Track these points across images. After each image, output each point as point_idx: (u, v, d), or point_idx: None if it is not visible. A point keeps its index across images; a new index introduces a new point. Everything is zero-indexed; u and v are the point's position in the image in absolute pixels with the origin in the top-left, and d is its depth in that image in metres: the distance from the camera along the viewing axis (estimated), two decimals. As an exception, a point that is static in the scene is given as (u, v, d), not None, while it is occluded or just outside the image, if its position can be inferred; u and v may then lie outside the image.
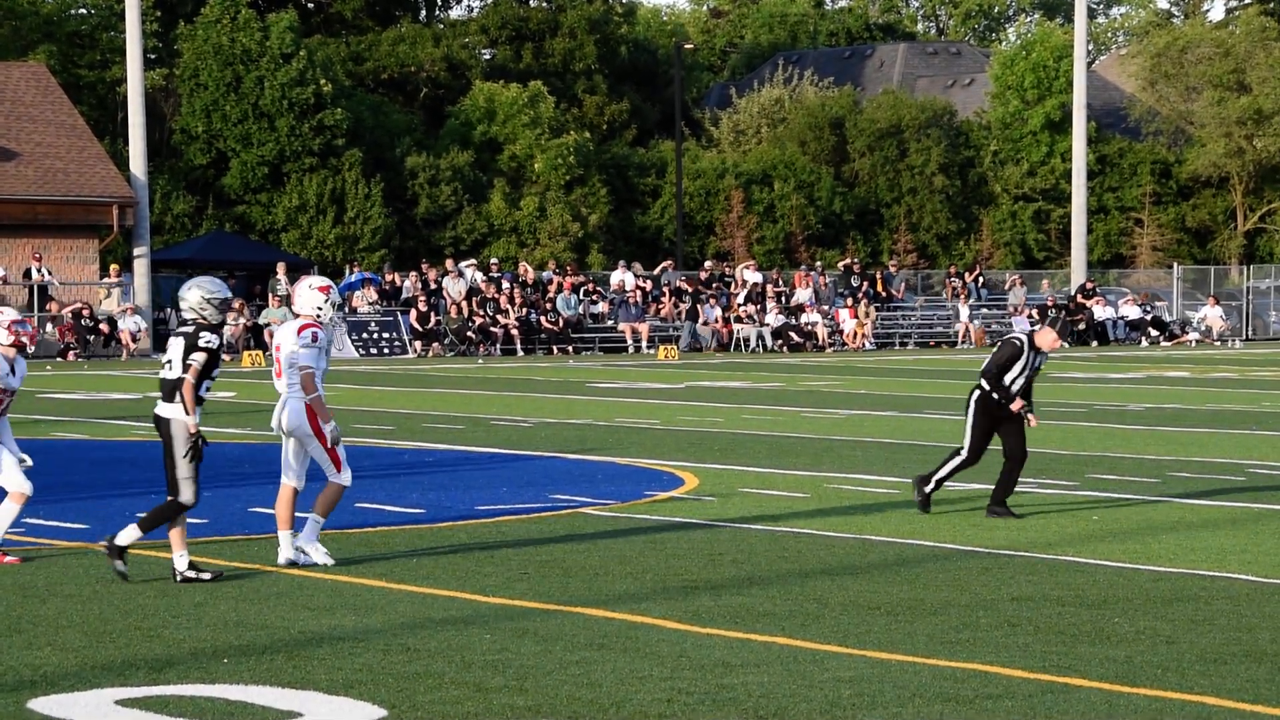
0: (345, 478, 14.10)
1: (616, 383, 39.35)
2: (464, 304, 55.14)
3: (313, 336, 13.90)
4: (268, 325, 52.76)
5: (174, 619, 11.83)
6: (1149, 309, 64.22)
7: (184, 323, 13.38)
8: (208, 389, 13.26)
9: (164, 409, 13.29)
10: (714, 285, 59.79)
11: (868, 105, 78.98)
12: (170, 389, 13.26)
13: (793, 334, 57.73)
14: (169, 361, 13.32)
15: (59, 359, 49.41)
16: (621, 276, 59.26)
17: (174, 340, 13.35)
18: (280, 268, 54.23)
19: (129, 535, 13.32)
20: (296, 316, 14.17)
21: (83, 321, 51.11)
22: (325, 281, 14.29)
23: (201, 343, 13.16)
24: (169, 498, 13.30)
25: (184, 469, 13.25)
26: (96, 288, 53.60)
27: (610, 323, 57.56)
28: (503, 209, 67.87)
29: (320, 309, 14.09)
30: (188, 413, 13.12)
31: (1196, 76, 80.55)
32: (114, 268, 53.86)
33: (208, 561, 14.23)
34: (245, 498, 18.29)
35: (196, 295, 13.31)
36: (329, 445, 14.00)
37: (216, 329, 13.31)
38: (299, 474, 14.13)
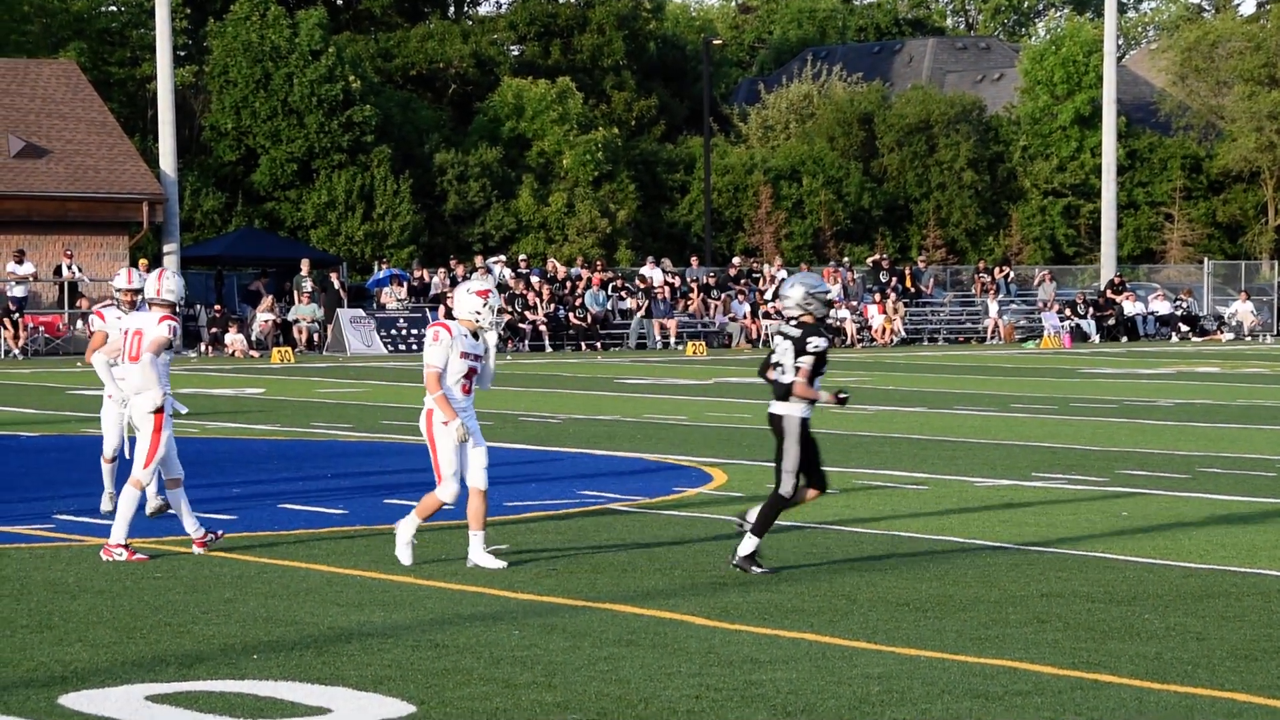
0: (444, 491, 13.80)
1: (645, 379, 39.35)
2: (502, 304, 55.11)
3: (434, 335, 13.78)
4: (296, 322, 52.85)
5: (204, 615, 11.85)
6: (1180, 304, 64.03)
7: (788, 321, 13.74)
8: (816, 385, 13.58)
9: (778, 407, 13.70)
10: (742, 281, 59.76)
11: (897, 100, 78.87)
12: (784, 390, 13.67)
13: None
14: (779, 365, 13.72)
15: (89, 355, 49.48)
16: (650, 272, 59.23)
17: (781, 342, 13.73)
18: (304, 264, 54.27)
19: (748, 545, 13.45)
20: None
21: (113, 318, 51.17)
22: (485, 286, 14.03)
23: (809, 348, 13.60)
24: (780, 494, 13.59)
25: (790, 461, 13.53)
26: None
27: (639, 316, 57.51)
28: (531, 205, 67.90)
29: (479, 313, 13.83)
30: (815, 401, 13.56)
31: (1227, 71, 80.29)
32: (143, 263, 53.96)
33: (225, 556, 14.26)
34: (275, 493, 18.33)
35: (800, 292, 13.76)
36: (438, 460, 13.80)
37: (819, 324, 13.67)
38: (466, 474, 13.84)
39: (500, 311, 14.06)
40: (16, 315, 50.09)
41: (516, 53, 79.16)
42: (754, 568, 13.48)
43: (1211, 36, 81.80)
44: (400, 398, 33.15)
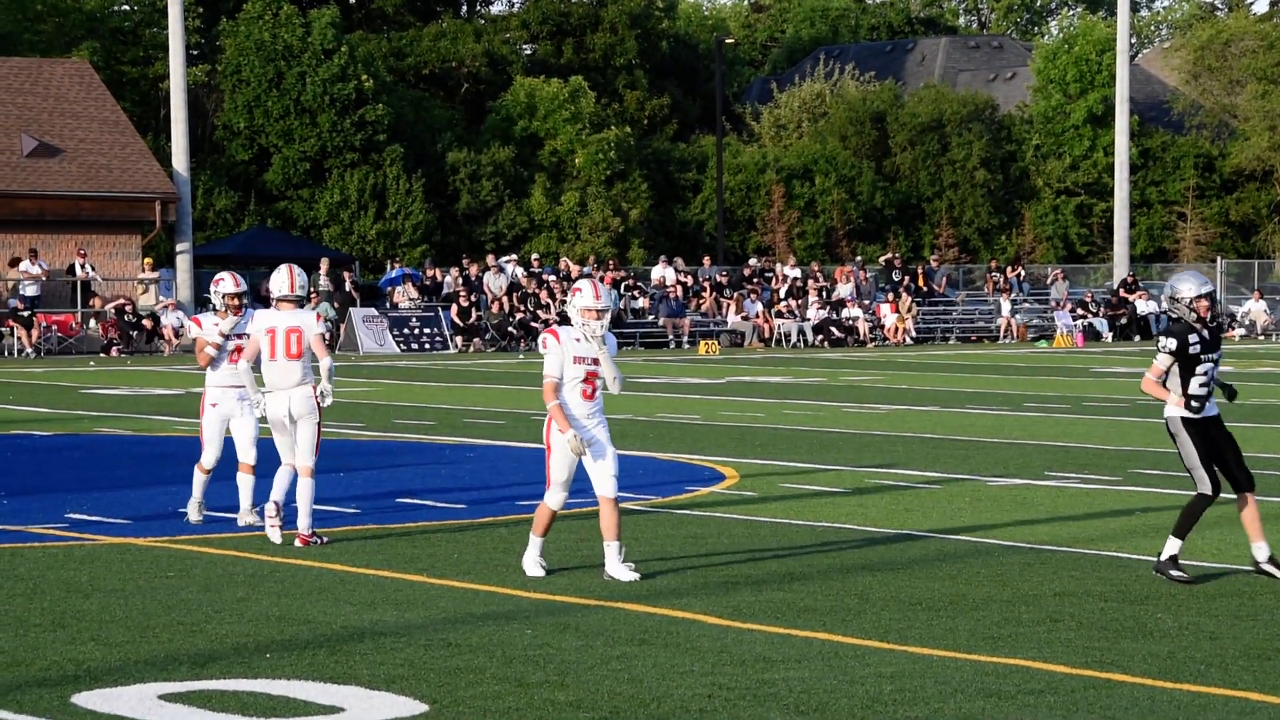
0: (551, 498, 13.48)
1: (658, 378, 39.35)
2: (505, 299, 55.19)
3: (543, 343, 13.58)
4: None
5: (216, 614, 11.86)
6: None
7: (1170, 318, 13.67)
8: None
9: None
10: (755, 280, 59.76)
11: (909, 99, 78.82)
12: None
13: (834, 329, 57.66)
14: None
15: (102, 355, 49.58)
16: (662, 272, 59.26)
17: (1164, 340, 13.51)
18: (324, 264, 54.33)
19: (1172, 546, 13.23)
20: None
21: (125, 317, 51.29)
22: (577, 286, 13.71)
23: (1156, 346, 13.56)
24: (1197, 494, 13.39)
25: (1186, 459, 13.45)
26: (138, 284, 53.77)
27: (651, 317, 57.55)
28: (543, 204, 67.92)
29: (586, 315, 13.43)
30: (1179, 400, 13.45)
31: (1240, 70, 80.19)
32: (147, 262, 54.02)
33: (238, 555, 14.28)
34: (288, 494, 18.29)
35: (1167, 290, 13.73)
36: (549, 465, 13.53)
37: (1180, 323, 13.51)
38: (594, 483, 13.43)
39: (602, 313, 13.46)
40: (29, 314, 50.14)
41: (529, 52, 79.18)
42: (1173, 572, 13.12)
43: (1225, 35, 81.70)
44: (412, 396, 33.17)
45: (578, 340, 13.38)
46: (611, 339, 13.58)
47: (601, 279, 57.09)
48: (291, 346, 15.18)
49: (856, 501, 17.69)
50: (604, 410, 13.65)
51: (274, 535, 15.02)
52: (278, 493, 15.17)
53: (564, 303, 58.12)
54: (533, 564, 13.46)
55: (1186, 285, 13.58)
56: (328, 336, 15.47)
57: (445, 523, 16.32)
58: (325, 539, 15.06)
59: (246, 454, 16.02)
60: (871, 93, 79.38)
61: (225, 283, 16.31)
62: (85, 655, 10.56)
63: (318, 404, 15.18)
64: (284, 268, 15.54)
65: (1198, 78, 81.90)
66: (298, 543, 14.82)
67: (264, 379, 15.33)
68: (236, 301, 16.17)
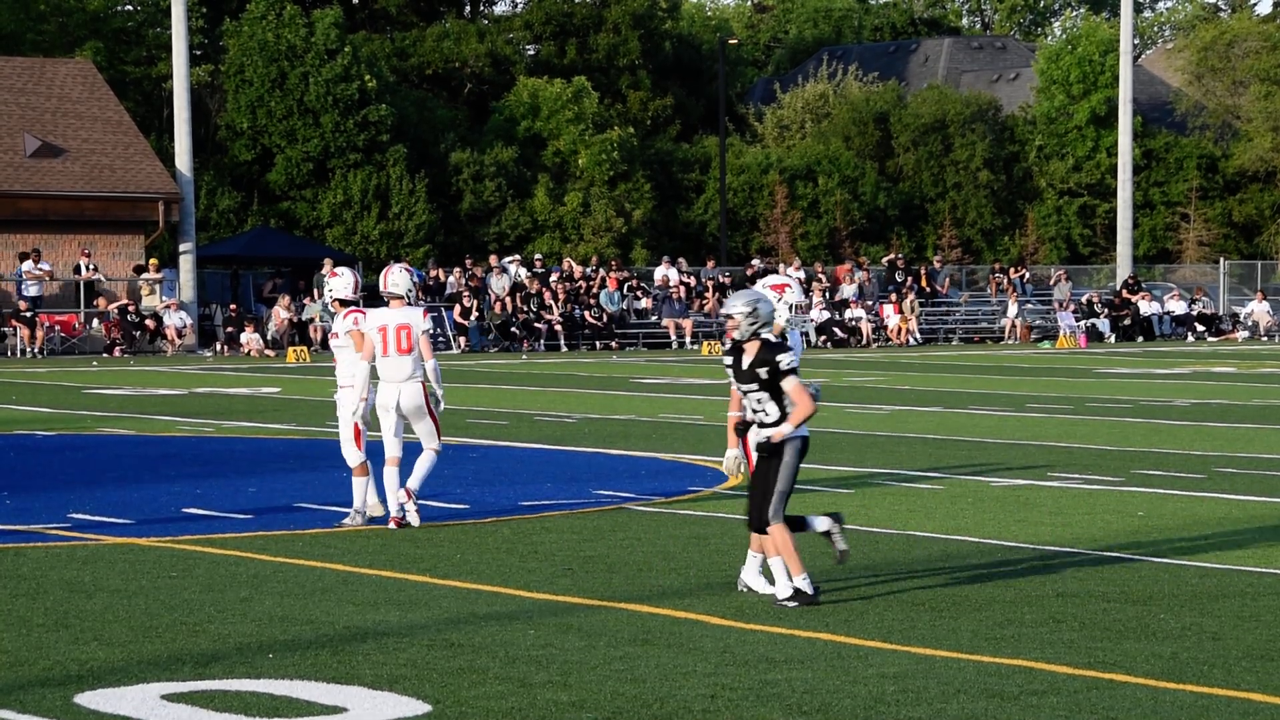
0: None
1: (660, 378, 39.35)
2: (508, 300, 55.21)
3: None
4: (310, 320, 52.90)
5: (219, 614, 11.87)
6: (1194, 302, 63.93)
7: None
8: None
9: None
10: (758, 281, 59.73)
11: (912, 100, 78.83)
12: None
13: (837, 329, 57.66)
14: None
15: (104, 355, 49.60)
16: (665, 272, 59.27)
17: None
18: (327, 264, 54.35)
19: None
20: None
21: (128, 318, 51.30)
22: (782, 280, 13.44)
23: None
24: None
25: None
26: (141, 284, 53.79)
27: (654, 318, 57.56)
28: (546, 204, 67.93)
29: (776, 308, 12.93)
30: None
31: (1243, 70, 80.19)
32: (152, 263, 54.05)
33: (241, 555, 14.28)
34: (290, 493, 18.34)
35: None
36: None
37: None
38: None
39: (797, 309, 13.11)
40: (31, 315, 50.15)
41: (532, 52, 79.19)
42: None
43: (1228, 36, 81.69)
44: (415, 397, 33.15)
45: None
46: (793, 336, 13.23)
47: (604, 280, 57.13)
48: (402, 342, 15.90)
49: (859, 502, 17.69)
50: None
51: (414, 519, 15.88)
52: (414, 480, 15.91)
53: (567, 302, 58.06)
54: (755, 578, 12.63)
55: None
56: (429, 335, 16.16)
57: (448, 523, 16.32)
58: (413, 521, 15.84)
59: (393, 448, 16.33)
60: (875, 93, 79.38)
61: (348, 284, 16.73)
62: (88, 655, 10.56)
63: (428, 403, 15.95)
64: (396, 266, 16.39)
65: (1201, 78, 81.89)
66: (402, 516, 15.75)
67: (377, 373, 15.99)
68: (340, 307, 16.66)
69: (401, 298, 16.08)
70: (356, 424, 16.23)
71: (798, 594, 12.15)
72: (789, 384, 12.10)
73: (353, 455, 16.27)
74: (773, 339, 12.37)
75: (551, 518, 16.68)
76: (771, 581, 12.44)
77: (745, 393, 12.26)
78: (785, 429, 12.13)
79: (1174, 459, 21.78)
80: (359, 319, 16.33)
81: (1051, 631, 11.31)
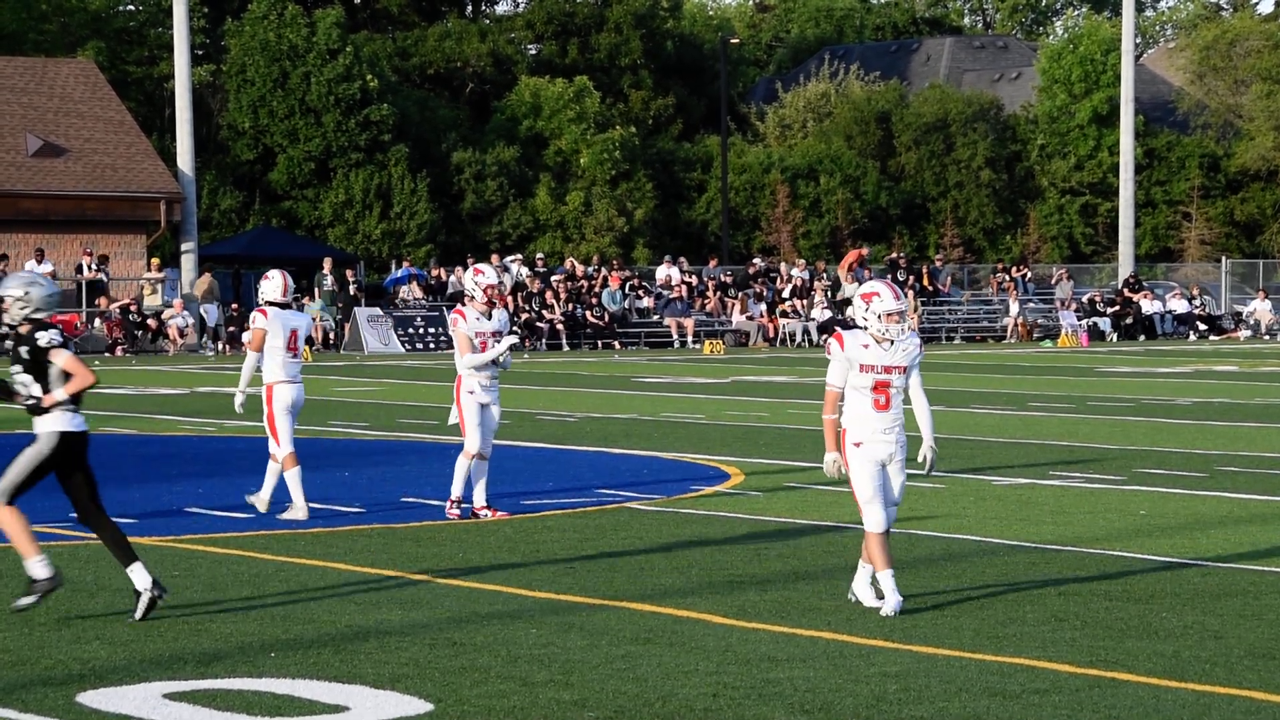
0: (869, 520, 12.11)
1: (662, 377, 39.36)
2: (510, 299, 55.22)
3: (827, 348, 12.57)
4: (311, 320, 52.92)
5: (221, 613, 11.87)
6: (1195, 301, 63.92)
7: None
8: None
9: None
10: (759, 280, 59.75)
11: (914, 99, 78.82)
12: None
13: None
14: None
15: (107, 354, 49.62)
16: (667, 271, 59.27)
17: None
18: (327, 263, 54.35)
19: None
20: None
21: (130, 317, 51.32)
22: (874, 289, 12.41)
23: None
24: None
25: None
26: (146, 283, 53.81)
27: (656, 317, 57.57)
28: (548, 204, 67.94)
29: (865, 318, 12.26)
30: None
31: (1245, 69, 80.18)
32: (154, 262, 54.07)
33: (243, 554, 14.27)
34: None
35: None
36: (851, 483, 12.30)
37: None
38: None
39: (887, 318, 12.17)
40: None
41: (534, 51, 79.20)
42: None
43: (1230, 35, 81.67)
44: (417, 396, 33.17)
45: (865, 346, 12.12)
46: (915, 340, 12.46)
47: (606, 279, 57.11)
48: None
49: (861, 501, 17.67)
50: (904, 426, 12.47)
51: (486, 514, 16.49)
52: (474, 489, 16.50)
53: (568, 301, 58.17)
54: (865, 590, 12.10)
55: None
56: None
57: (450, 522, 16.32)
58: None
59: (485, 443, 16.60)
60: (876, 93, 79.37)
61: (486, 274, 16.84)
62: (90, 654, 10.56)
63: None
64: (485, 267, 16.92)
65: (1202, 77, 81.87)
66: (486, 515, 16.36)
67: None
68: (494, 292, 16.80)
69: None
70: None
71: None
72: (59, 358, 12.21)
73: (283, 448, 16.94)
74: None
75: (553, 516, 16.68)
76: (880, 595, 11.93)
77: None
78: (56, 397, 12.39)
79: (1176, 458, 21.78)
80: (458, 320, 16.65)
81: (1053, 630, 11.31)
